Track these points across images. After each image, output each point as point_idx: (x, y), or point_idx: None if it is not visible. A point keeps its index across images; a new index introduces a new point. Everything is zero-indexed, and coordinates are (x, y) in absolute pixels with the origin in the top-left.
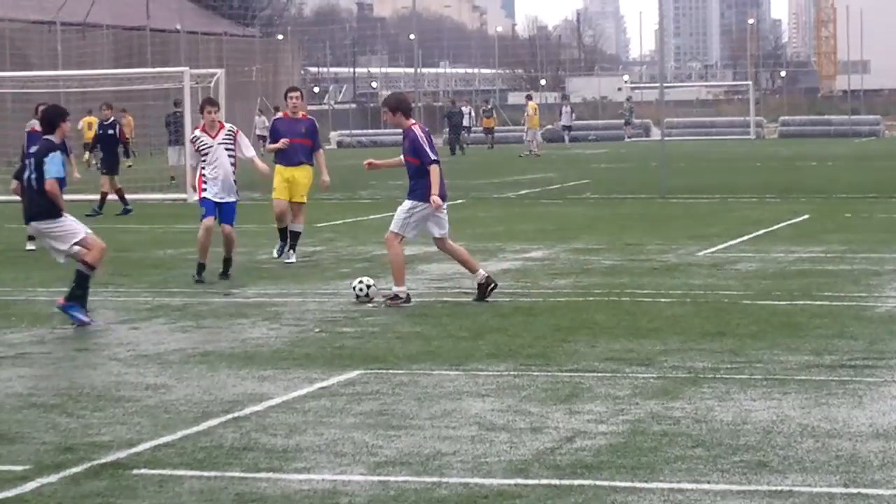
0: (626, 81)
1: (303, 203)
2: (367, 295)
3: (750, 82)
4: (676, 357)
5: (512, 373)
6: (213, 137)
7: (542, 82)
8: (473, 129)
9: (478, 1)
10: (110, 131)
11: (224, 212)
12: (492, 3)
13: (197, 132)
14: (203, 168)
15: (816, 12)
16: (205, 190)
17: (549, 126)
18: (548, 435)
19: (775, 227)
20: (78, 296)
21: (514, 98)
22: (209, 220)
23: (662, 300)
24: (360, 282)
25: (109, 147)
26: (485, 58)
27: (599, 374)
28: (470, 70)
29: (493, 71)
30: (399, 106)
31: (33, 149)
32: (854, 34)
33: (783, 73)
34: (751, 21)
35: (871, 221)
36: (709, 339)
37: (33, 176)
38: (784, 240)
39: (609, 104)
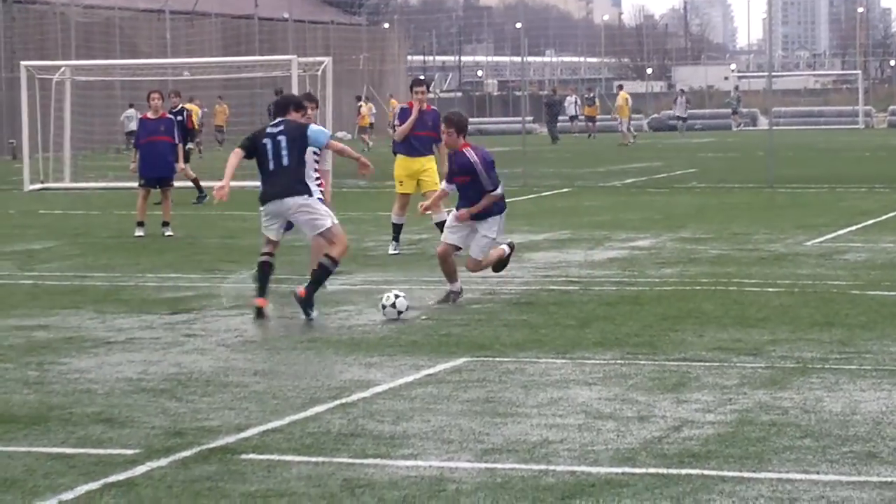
0: (732, 70)
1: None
2: (394, 307)
3: (859, 71)
4: (785, 347)
5: (619, 361)
6: None
7: (649, 71)
8: (579, 117)
9: None
10: (178, 118)
11: None
12: None
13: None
14: None
15: None
16: None
17: (655, 115)
18: (655, 424)
19: (884, 217)
20: (313, 289)
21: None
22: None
23: (770, 290)
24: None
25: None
26: (591, 46)
27: (707, 364)
28: (576, 59)
29: (599, 60)
30: (466, 128)
31: (275, 129)
32: None
33: (892, 63)
34: (860, 9)
35: None
36: (817, 329)
37: (284, 154)
38: (894, 230)
39: (715, 93)
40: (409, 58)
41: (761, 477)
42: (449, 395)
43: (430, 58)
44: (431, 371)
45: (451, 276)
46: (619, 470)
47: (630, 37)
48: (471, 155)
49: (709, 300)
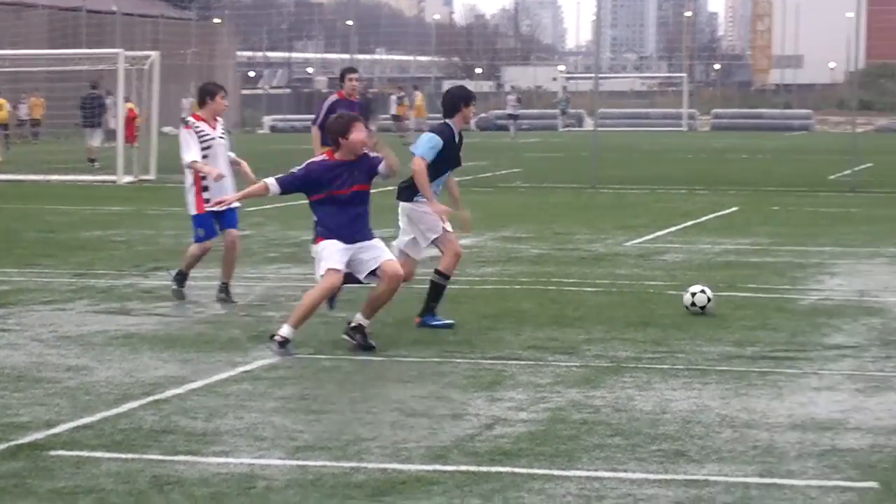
0: (561, 71)
1: None
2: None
3: (684, 75)
4: (599, 346)
5: (435, 359)
6: (214, 129)
7: (478, 70)
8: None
9: None
10: None
11: (227, 217)
12: None
13: (192, 119)
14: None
15: (753, 6)
16: (206, 200)
17: (483, 115)
18: (468, 422)
19: (703, 218)
20: (431, 307)
21: (451, 86)
22: (208, 244)
23: (588, 289)
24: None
25: None
26: (421, 45)
27: (522, 362)
28: (406, 57)
29: (430, 59)
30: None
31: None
32: (789, 29)
33: (717, 66)
34: (687, 14)
35: (799, 214)
36: (632, 328)
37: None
38: (711, 231)
39: (544, 93)
40: (239, 53)
41: (570, 475)
42: (264, 392)
43: (261, 53)
44: (247, 368)
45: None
46: (430, 468)
47: (461, 36)
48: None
49: (527, 299)
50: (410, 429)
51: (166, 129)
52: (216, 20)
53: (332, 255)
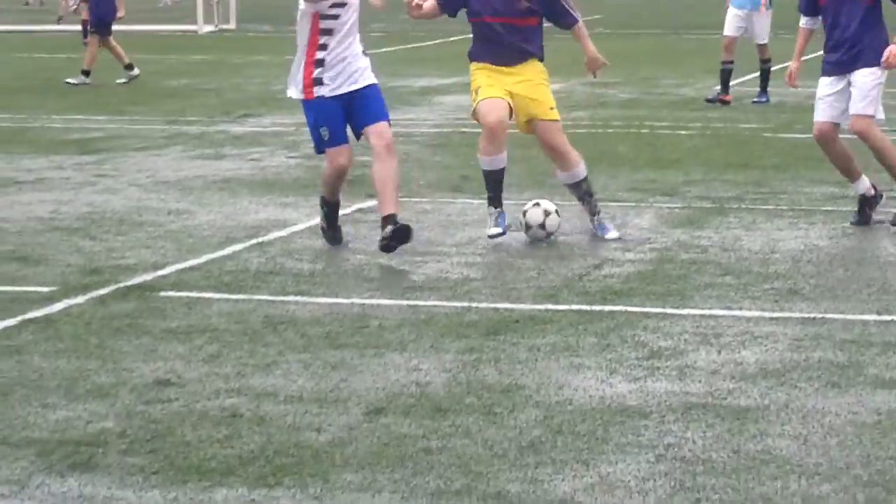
0: None
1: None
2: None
3: None
4: (700, 187)
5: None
6: None
7: None
8: None
9: None
10: None
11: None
12: None
13: None
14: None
15: None
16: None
17: None
18: (575, 262)
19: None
20: None
21: None
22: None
23: (682, 132)
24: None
25: None
26: None
27: (623, 204)
28: None
29: None
30: None
31: None
32: None
33: None
34: None
35: None
36: (732, 170)
37: None
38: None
39: None
40: None
41: (684, 313)
42: (366, 235)
43: None
44: (347, 211)
45: (848, 170)
46: (542, 307)
47: None
48: None
49: (622, 142)
50: (518, 270)
51: None
52: None
53: None
